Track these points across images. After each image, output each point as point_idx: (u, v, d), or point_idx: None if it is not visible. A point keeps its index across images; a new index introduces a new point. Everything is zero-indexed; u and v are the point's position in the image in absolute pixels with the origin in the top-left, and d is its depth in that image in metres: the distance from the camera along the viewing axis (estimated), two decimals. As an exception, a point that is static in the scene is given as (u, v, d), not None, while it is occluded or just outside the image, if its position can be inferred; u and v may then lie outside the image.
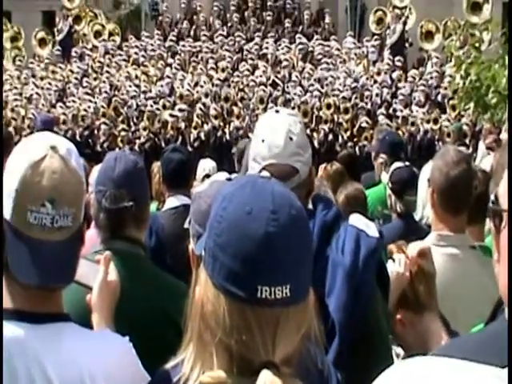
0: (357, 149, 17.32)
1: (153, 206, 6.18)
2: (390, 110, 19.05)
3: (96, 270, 2.48)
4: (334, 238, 2.75)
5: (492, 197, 1.37)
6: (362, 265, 2.70)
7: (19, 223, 2.03)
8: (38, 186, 2.03)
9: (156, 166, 6.94)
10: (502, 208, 1.32)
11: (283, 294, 1.56)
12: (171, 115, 19.26)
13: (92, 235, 3.84)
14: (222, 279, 1.59)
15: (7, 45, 24.91)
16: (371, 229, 2.82)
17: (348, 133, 18.65)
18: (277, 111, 2.93)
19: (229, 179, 2.54)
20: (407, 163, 6.13)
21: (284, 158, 2.78)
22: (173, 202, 5.40)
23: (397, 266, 3.01)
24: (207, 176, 7.75)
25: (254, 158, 2.82)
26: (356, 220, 2.85)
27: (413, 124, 18.27)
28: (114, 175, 3.12)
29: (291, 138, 2.80)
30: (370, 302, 2.73)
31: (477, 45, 12.01)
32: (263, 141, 2.80)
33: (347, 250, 2.71)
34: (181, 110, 19.43)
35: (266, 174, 1.72)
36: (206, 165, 8.14)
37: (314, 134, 17.85)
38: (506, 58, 10.08)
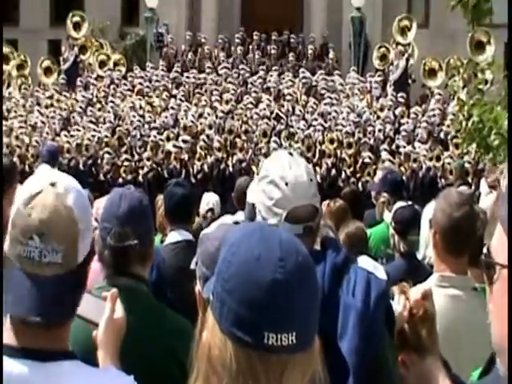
0: (359, 184, 17.31)
1: (157, 239, 6.20)
2: (393, 146, 19.08)
3: (102, 307, 2.49)
4: (344, 280, 2.78)
5: (485, 249, 1.39)
6: (373, 307, 2.74)
7: (13, 255, 2.06)
8: (28, 219, 2.05)
9: (160, 198, 6.96)
10: (495, 261, 1.35)
11: (289, 341, 1.58)
12: (175, 146, 19.30)
13: (94, 269, 3.86)
14: (229, 324, 1.61)
15: (13, 72, 25.06)
16: (380, 271, 2.86)
17: (351, 168, 18.67)
18: (290, 153, 2.96)
19: (236, 222, 2.57)
20: (410, 202, 6.15)
21: (308, 198, 2.84)
22: (174, 236, 5.41)
23: (395, 306, 3.04)
24: (211, 210, 7.79)
25: (277, 203, 2.82)
26: (365, 262, 2.89)
27: (415, 160, 18.29)
28: (119, 213, 3.14)
29: (311, 180, 2.86)
30: (381, 344, 2.76)
31: (480, 86, 12.07)
32: (287, 184, 2.81)
33: (358, 293, 2.75)
34: (184, 142, 19.47)
35: (273, 221, 1.74)
36: (209, 199, 8.16)
37: (317, 169, 17.88)
38: None
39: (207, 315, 1.70)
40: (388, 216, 6.23)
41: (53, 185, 2.10)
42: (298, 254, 1.63)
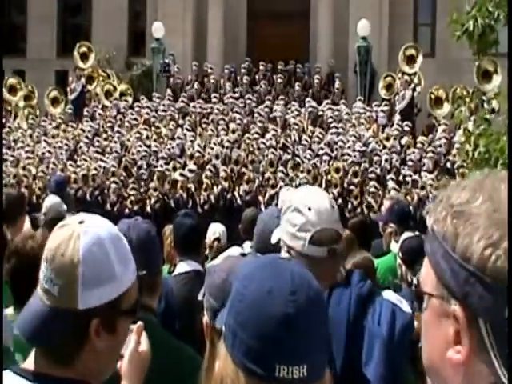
0: (366, 214, 17.28)
1: (164, 269, 6.21)
2: (400, 177, 19.08)
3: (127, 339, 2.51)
4: (369, 310, 2.85)
5: (415, 280, 1.52)
6: (397, 337, 2.81)
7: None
8: (47, 244, 2.15)
9: (168, 228, 6.98)
10: (423, 290, 1.47)
11: (300, 374, 1.59)
12: (181, 175, 19.34)
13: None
14: (241, 356, 1.62)
15: (21, 103, 25.20)
16: (404, 304, 2.93)
17: (358, 199, 18.66)
18: (307, 187, 3.15)
19: (243, 254, 2.58)
20: (417, 233, 6.15)
21: (331, 223, 2.92)
22: (183, 267, 5.43)
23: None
24: (217, 239, 7.80)
25: (301, 228, 2.89)
26: (390, 295, 2.96)
27: (422, 188, 18.28)
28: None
29: (333, 207, 2.96)
30: (405, 373, 2.83)
31: (486, 116, 12.07)
32: (310, 209, 2.89)
33: (384, 323, 2.82)
34: (191, 171, 19.51)
35: (285, 254, 1.77)
36: (215, 229, 8.19)
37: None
38: None
39: (219, 346, 1.72)
40: (395, 246, 6.22)
41: (80, 223, 2.14)
42: (309, 287, 1.65)
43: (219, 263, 2.61)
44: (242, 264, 2.14)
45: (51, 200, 8.20)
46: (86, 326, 2.10)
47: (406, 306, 2.93)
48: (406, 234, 6.02)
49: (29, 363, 2.14)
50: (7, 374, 2.11)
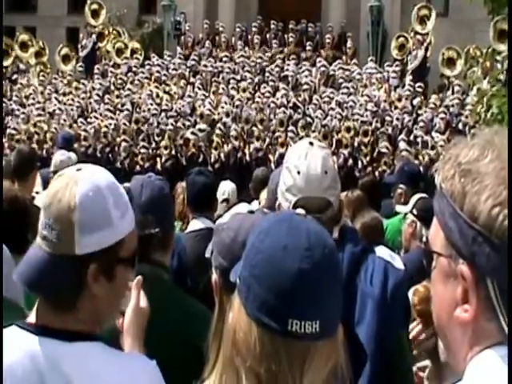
0: (376, 174, 17.27)
1: (176, 226, 6.22)
2: (411, 137, 19.01)
3: (127, 295, 2.54)
4: (362, 269, 2.82)
5: (424, 239, 1.52)
6: (390, 295, 2.78)
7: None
8: (46, 192, 2.21)
9: (180, 186, 6.97)
10: (432, 249, 1.47)
11: (313, 329, 1.62)
12: (193, 133, 19.34)
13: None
14: (255, 309, 1.65)
15: (32, 60, 25.16)
16: (397, 261, 2.90)
17: (368, 158, 18.64)
18: (311, 143, 2.97)
19: (251, 212, 2.59)
20: (426, 196, 6.13)
21: (320, 191, 2.84)
22: (197, 224, 5.46)
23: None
24: (226, 200, 7.74)
25: (289, 189, 2.85)
26: (382, 252, 2.92)
27: (433, 148, 18.21)
28: (141, 202, 3.16)
29: (326, 172, 2.86)
30: (397, 331, 2.80)
31: (500, 77, 12.00)
32: (299, 173, 2.84)
33: (376, 281, 2.79)
34: (201, 130, 19.50)
35: (301, 211, 1.77)
36: (225, 188, 8.07)
37: (334, 158, 17.85)
38: None
39: (233, 298, 1.74)
40: (401, 209, 6.20)
41: (78, 170, 2.18)
42: (324, 245, 1.67)
43: (227, 221, 2.61)
44: (259, 219, 2.16)
45: (59, 157, 8.16)
46: (84, 271, 2.12)
47: (398, 263, 2.91)
48: (419, 195, 6.01)
49: (32, 316, 2.16)
50: (13, 329, 2.14)
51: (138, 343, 2.47)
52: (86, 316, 2.16)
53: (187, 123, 19.99)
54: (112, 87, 23.04)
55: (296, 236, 1.66)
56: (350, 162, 18.50)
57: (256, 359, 1.64)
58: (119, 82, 23.12)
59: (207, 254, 2.61)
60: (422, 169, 13.53)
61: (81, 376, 2.07)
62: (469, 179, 1.39)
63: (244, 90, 21.53)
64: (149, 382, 2.17)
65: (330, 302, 1.66)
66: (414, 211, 5.82)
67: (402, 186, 7.15)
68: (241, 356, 1.66)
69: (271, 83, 21.79)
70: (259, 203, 6.04)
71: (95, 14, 25.31)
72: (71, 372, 2.07)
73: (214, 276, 2.50)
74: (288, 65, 23.01)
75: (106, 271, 2.15)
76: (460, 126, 19.48)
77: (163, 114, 20.70)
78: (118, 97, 22.26)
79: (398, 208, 6.44)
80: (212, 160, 18.93)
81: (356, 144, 18.99)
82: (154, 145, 19.75)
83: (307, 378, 1.64)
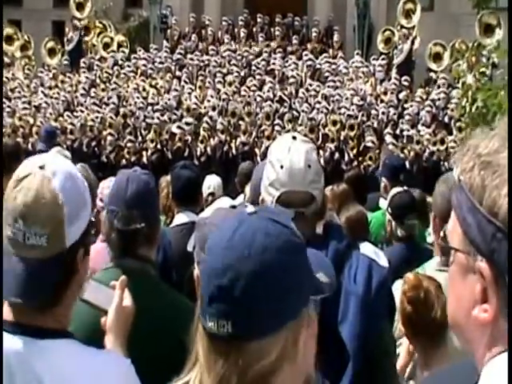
0: (362, 168, 17.31)
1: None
2: (397, 131, 19.06)
3: (110, 294, 2.53)
4: (346, 267, 2.80)
5: (442, 233, 1.46)
6: (374, 293, 2.76)
7: (5, 237, 2.10)
8: (14, 202, 2.08)
9: (164, 180, 6.95)
10: (450, 245, 1.41)
11: (225, 330, 1.60)
12: (178, 127, 19.32)
13: (100, 249, 3.90)
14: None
15: (17, 54, 25.04)
16: (381, 258, 2.89)
17: (354, 151, 18.67)
18: (294, 137, 2.94)
19: (233, 206, 2.59)
20: (405, 188, 6.18)
21: (303, 185, 2.82)
22: (182, 218, 5.47)
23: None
24: (211, 194, 7.75)
25: (272, 184, 2.83)
26: (367, 249, 2.92)
27: (418, 142, 18.26)
28: (127, 196, 3.16)
29: (309, 166, 2.83)
30: (381, 330, 2.80)
31: (485, 70, 12.04)
32: (282, 167, 2.82)
33: (360, 279, 2.77)
34: (187, 124, 19.49)
35: (250, 208, 1.73)
36: (211, 182, 8.07)
37: (320, 152, 17.88)
38: None
39: None
40: (384, 203, 6.24)
41: (41, 168, 2.11)
42: (250, 245, 1.62)
43: (210, 216, 2.61)
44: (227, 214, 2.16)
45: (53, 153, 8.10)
46: (74, 260, 2.13)
47: (383, 260, 2.90)
48: (395, 190, 6.05)
49: (8, 313, 2.11)
50: None
51: (120, 342, 2.47)
52: (67, 311, 2.16)
53: (173, 117, 19.97)
54: (98, 81, 22.98)
55: (222, 235, 1.65)
56: (337, 155, 18.53)
57: (205, 356, 1.66)
58: (105, 75, 23.05)
59: (189, 248, 2.61)
60: (407, 163, 13.60)
61: (52, 374, 2.05)
62: (489, 172, 1.32)
63: (230, 84, 21.51)
64: (122, 379, 2.15)
65: (247, 304, 1.59)
66: (389, 209, 5.87)
67: (383, 179, 7.21)
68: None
69: (257, 77, 21.79)
70: (245, 197, 6.05)
71: (80, 6, 25.20)
72: (42, 370, 2.05)
73: (197, 271, 2.50)
74: (274, 58, 23.00)
75: (88, 249, 2.18)
76: (446, 119, 19.54)
77: (149, 107, 20.67)
78: (104, 90, 22.20)
79: (381, 202, 6.47)
80: (198, 154, 18.93)
81: (342, 138, 19.02)
82: (140, 139, 19.72)
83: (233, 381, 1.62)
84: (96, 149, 19.65)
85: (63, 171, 2.11)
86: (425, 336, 3.27)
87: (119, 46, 24.92)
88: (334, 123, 19.14)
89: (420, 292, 3.31)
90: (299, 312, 1.63)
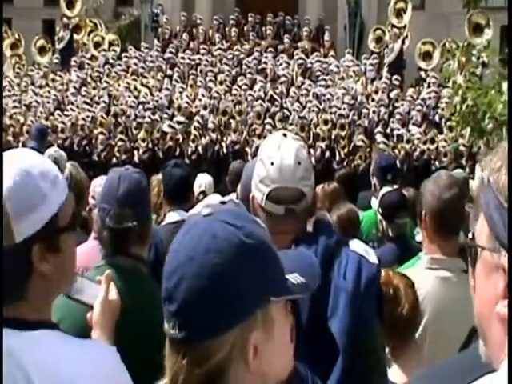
0: (352, 167, 17.32)
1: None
2: (388, 130, 19.11)
3: (96, 289, 2.54)
4: (335, 263, 2.80)
5: (470, 234, 1.49)
6: (363, 290, 2.77)
7: None
8: None
9: (155, 179, 6.97)
10: (478, 244, 1.44)
11: (175, 331, 1.63)
12: (170, 126, 19.32)
13: (91, 247, 3.91)
14: None
15: (7, 52, 24.99)
16: (371, 255, 2.90)
17: (345, 150, 18.70)
18: (284, 135, 2.94)
19: (222, 202, 2.59)
20: (395, 186, 6.20)
21: (294, 182, 2.83)
22: (173, 216, 5.48)
23: None
24: (203, 193, 7.77)
25: (262, 180, 2.84)
26: (357, 246, 2.93)
27: (408, 142, 18.31)
28: (118, 194, 3.18)
29: (299, 163, 2.84)
30: (370, 326, 2.81)
31: (475, 70, 12.09)
32: (272, 163, 2.83)
33: (349, 276, 2.77)
34: (179, 123, 19.49)
35: (206, 210, 1.75)
36: (202, 180, 8.08)
37: (311, 151, 17.91)
38: (503, 84, 10.15)
39: None
40: (374, 202, 6.26)
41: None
42: (193, 246, 1.64)
43: (198, 212, 2.62)
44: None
45: (52, 153, 8.01)
46: (28, 255, 2.08)
47: (373, 257, 2.90)
48: (385, 189, 6.07)
49: None
50: None
51: (107, 335, 2.48)
52: (39, 300, 2.13)
53: (165, 116, 19.97)
54: (89, 79, 22.95)
55: (176, 237, 1.69)
56: (328, 154, 18.55)
57: (166, 356, 1.70)
58: (96, 74, 23.02)
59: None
60: (397, 162, 13.62)
61: (37, 365, 2.03)
62: None
63: (221, 83, 21.52)
64: (108, 367, 2.13)
65: (195, 303, 1.61)
66: (379, 209, 5.90)
67: (374, 178, 7.25)
68: None
69: (249, 76, 21.80)
70: (236, 196, 6.07)
71: (71, 5, 25.16)
72: (27, 361, 2.03)
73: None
74: (266, 57, 23.01)
75: (50, 247, 2.11)
76: (436, 118, 19.60)
77: (141, 106, 20.67)
78: (94, 89, 22.18)
79: (373, 201, 6.50)
80: (189, 152, 18.93)
81: (333, 137, 19.05)
82: (131, 137, 19.71)
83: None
84: (87, 148, 19.64)
85: (14, 166, 2.08)
86: (393, 332, 3.34)
87: (110, 44, 24.90)
88: (325, 122, 19.17)
89: (389, 289, 3.39)
90: (250, 313, 1.62)
